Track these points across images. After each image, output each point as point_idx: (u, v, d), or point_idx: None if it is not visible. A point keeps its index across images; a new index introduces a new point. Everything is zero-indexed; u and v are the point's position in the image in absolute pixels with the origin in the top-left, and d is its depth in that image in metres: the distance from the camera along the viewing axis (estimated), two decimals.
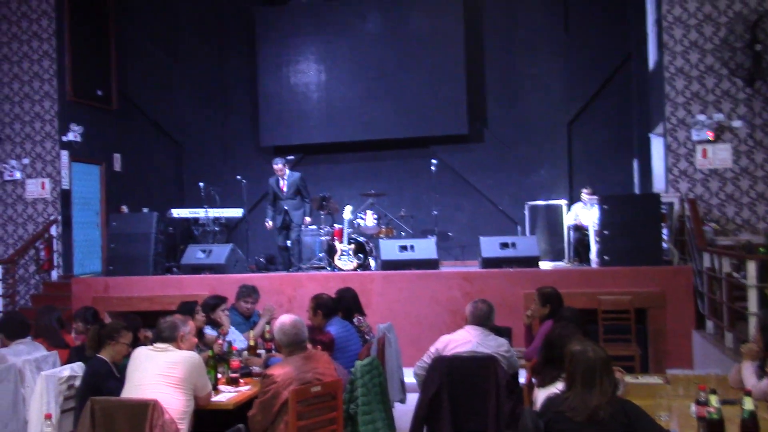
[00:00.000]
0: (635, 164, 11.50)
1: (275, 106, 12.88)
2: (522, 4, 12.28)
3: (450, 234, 11.93)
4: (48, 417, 3.92)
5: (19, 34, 11.42)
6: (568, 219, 10.32)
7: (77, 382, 4.51)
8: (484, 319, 4.91)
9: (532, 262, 8.51)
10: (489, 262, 8.54)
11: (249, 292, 6.48)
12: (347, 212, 9.41)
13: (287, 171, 9.67)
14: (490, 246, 8.69)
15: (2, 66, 11.46)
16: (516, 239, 8.93)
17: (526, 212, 11.08)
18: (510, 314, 7.32)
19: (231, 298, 6.47)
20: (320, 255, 10.10)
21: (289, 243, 9.53)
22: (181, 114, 13.66)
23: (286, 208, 9.45)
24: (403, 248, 8.79)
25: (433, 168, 10.70)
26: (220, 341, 5.25)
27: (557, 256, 10.46)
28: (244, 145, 13.43)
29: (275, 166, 9.49)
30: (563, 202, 10.92)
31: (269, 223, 9.45)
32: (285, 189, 9.53)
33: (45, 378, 4.35)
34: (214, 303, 5.89)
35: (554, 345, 3.71)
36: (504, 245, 8.67)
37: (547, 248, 10.55)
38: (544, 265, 9.21)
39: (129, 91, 12.99)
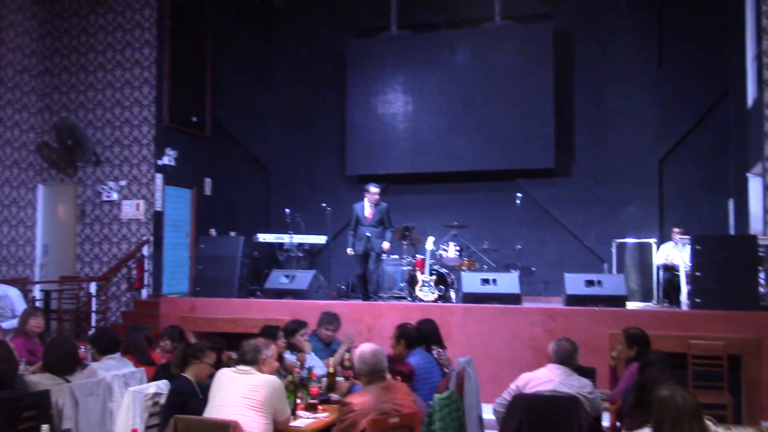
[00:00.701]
0: (731, 204, 11.10)
1: (362, 135, 12.89)
2: (614, 37, 12.08)
3: (533, 269, 11.67)
4: None
5: (123, 62, 11.77)
6: (658, 258, 10.01)
7: (162, 399, 4.58)
8: (567, 357, 4.76)
9: (618, 301, 8.19)
10: (573, 300, 8.28)
11: (330, 319, 6.50)
12: (429, 243, 9.34)
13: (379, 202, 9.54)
14: (575, 283, 8.45)
15: (106, 92, 11.85)
16: (602, 277, 8.63)
17: (614, 250, 10.82)
18: (594, 354, 7.10)
19: (311, 324, 6.49)
20: (401, 285, 10.05)
21: (368, 271, 9.42)
22: (270, 141, 13.79)
23: (368, 234, 9.28)
24: (485, 281, 8.61)
25: (518, 201, 10.52)
26: (297, 368, 5.27)
27: (645, 296, 10.18)
28: (330, 173, 13.46)
29: (372, 190, 9.30)
30: (653, 241, 10.62)
31: (351, 251, 9.32)
32: (371, 216, 9.37)
33: (132, 394, 4.42)
34: (294, 328, 5.94)
35: (646, 388, 3.57)
36: (590, 283, 8.39)
37: (634, 288, 10.31)
38: (632, 305, 8.91)
39: (222, 118, 13.23)
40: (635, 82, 11.87)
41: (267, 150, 13.80)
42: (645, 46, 11.87)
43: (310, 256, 12.31)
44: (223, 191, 13.08)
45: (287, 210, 11.39)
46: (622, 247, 10.72)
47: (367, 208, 9.35)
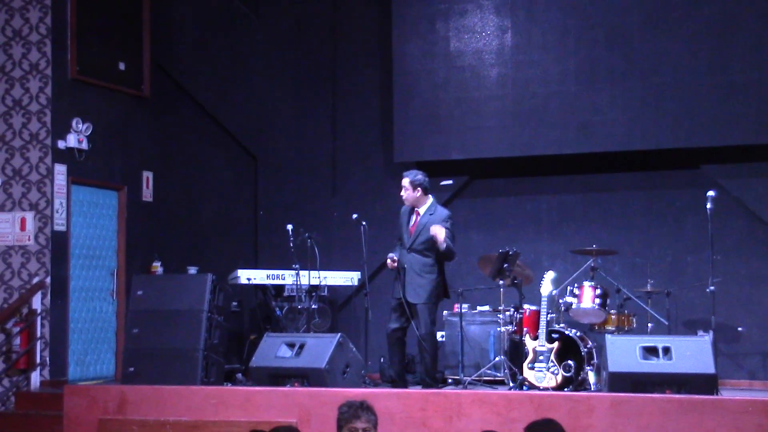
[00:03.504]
0: None
1: (420, 93, 12.47)
2: None
3: (740, 329, 11.22)
4: None
5: None
6: None
7: None
8: None
9: None
10: None
11: (356, 412, 5.86)
12: (547, 284, 9.41)
13: (431, 200, 9.52)
14: None
15: None
16: None
17: None
18: None
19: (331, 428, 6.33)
20: (496, 359, 10.13)
21: (420, 332, 9.36)
22: (258, 108, 13.63)
23: (405, 266, 9.30)
24: (650, 352, 8.25)
25: (708, 206, 9.79)
26: None
27: None
28: (364, 160, 13.28)
29: (408, 182, 9.43)
30: None
31: (392, 261, 9.40)
32: (414, 230, 9.41)
33: None
34: None
35: None
36: None
37: None
38: None
39: (172, 66, 13.02)
40: None
41: (252, 123, 13.62)
42: None
43: (332, 307, 11.95)
44: (175, 195, 12.87)
45: (289, 227, 10.98)
46: None
47: (413, 216, 9.57)
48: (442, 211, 9.55)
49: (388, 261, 9.50)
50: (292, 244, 10.99)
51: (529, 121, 12.08)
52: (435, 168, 11.70)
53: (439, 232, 9.19)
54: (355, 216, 10.25)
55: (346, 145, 13.40)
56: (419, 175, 9.49)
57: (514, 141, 12.10)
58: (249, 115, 13.71)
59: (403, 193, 9.50)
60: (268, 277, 11.60)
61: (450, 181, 12.15)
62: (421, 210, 9.44)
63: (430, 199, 9.48)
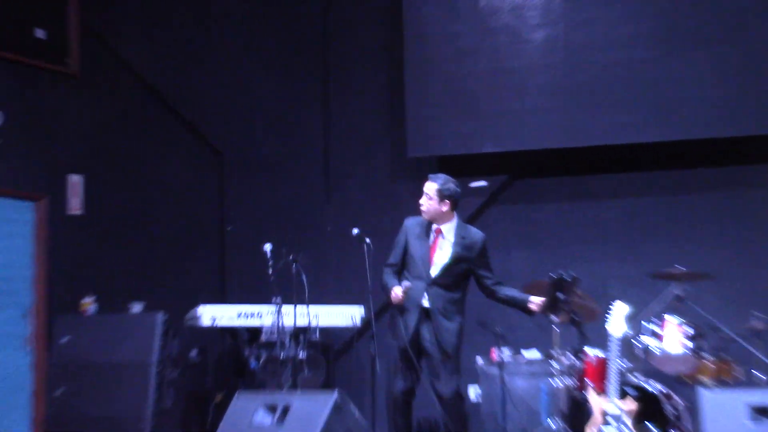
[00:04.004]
0: None
1: (442, 66, 11.82)
2: None
3: None
4: None
5: None
6: None
7: None
8: None
9: None
10: None
11: None
12: (617, 320, 8.61)
13: (455, 218, 8.77)
14: None
15: None
16: None
17: None
18: None
19: None
20: (551, 422, 9.39)
21: (437, 388, 8.78)
22: (224, 87, 12.95)
23: (426, 305, 8.54)
24: (763, 413, 8.05)
25: None
26: None
27: None
28: (367, 157, 12.65)
29: (431, 187, 8.71)
30: None
31: (399, 292, 8.57)
32: (436, 255, 8.68)
33: None
34: None
35: None
36: None
37: None
38: None
39: (111, 35, 12.22)
40: None
41: (219, 109, 12.90)
42: None
43: (326, 356, 11.41)
44: (114, 206, 11.99)
45: (268, 247, 9.91)
46: None
47: (432, 234, 8.89)
48: (477, 235, 8.73)
49: (397, 291, 8.52)
50: (271, 271, 9.84)
51: (586, 100, 11.35)
52: (462, 165, 11.28)
53: (539, 303, 8.74)
54: (356, 231, 9.14)
55: (342, 136, 12.73)
56: (451, 184, 8.55)
57: (568, 127, 11.36)
58: (214, 99, 12.86)
59: (423, 202, 8.55)
60: (239, 315, 10.80)
61: (483, 183, 11.56)
62: (446, 230, 8.57)
63: (455, 217, 8.70)
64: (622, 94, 11.25)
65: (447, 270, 8.64)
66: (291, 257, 9.87)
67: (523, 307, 8.78)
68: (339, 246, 11.45)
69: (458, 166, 10.72)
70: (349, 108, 12.74)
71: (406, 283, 8.61)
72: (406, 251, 8.80)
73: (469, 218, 10.69)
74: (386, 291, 8.71)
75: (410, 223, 8.80)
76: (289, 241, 10.32)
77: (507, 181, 11.72)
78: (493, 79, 11.53)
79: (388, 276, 8.81)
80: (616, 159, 11.63)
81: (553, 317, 8.95)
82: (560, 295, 8.78)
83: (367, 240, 9.06)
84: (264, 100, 12.91)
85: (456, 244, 8.62)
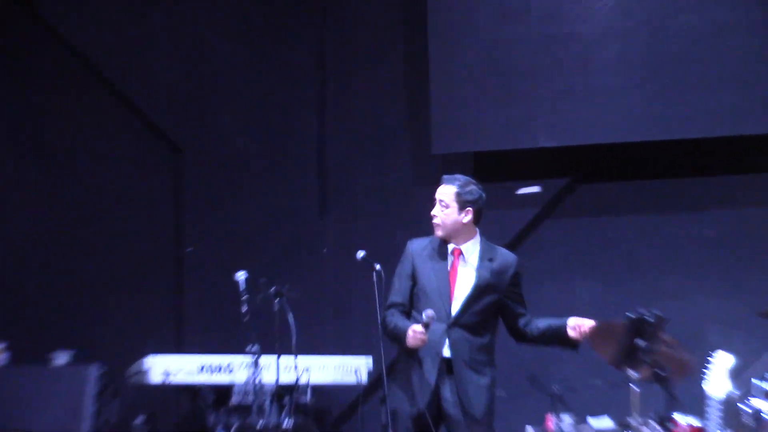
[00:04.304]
0: None
1: (478, 37, 11.13)
2: None
3: None
4: None
5: None
6: None
7: None
8: None
9: None
10: None
11: None
12: (719, 375, 7.44)
13: (478, 235, 7.65)
14: None
15: None
16: None
17: None
18: None
19: None
20: None
21: None
22: (193, 72, 12.30)
23: (447, 355, 7.38)
24: None
25: None
26: None
27: None
28: (376, 157, 11.97)
29: (442, 193, 7.59)
30: None
31: (419, 330, 7.16)
32: (457, 286, 7.49)
33: None
34: None
35: None
36: None
37: None
38: None
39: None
40: None
41: (179, 94, 12.18)
42: None
43: (320, 424, 10.53)
44: (32, 221, 11.56)
45: (242, 275, 9.18)
46: None
47: (450, 258, 7.70)
48: (509, 257, 7.55)
49: (416, 329, 7.12)
50: (246, 308, 9.00)
51: (670, 81, 10.40)
52: (505, 165, 10.57)
53: (586, 328, 7.33)
54: (361, 254, 7.54)
55: (342, 130, 11.88)
56: (473, 186, 7.32)
57: (650, 114, 10.42)
58: (172, 80, 12.00)
59: (437, 212, 7.35)
60: (201, 369, 9.81)
61: (536, 189, 10.70)
62: (466, 250, 7.37)
63: (477, 234, 7.47)
64: (717, 73, 10.26)
65: (472, 304, 7.40)
66: (273, 290, 8.91)
67: (562, 337, 7.30)
68: (338, 274, 10.80)
69: (499, 167, 10.36)
70: (352, 96, 11.90)
71: (429, 313, 7.14)
72: (414, 284, 7.53)
73: (516, 237, 9.88)
74: (397, 336, 7.33)
75: (416, 247, 7.59)
76: (271, 269, 9.96)
77: (568, 186, 10.95)
78: (549, 50, 10.63)
79: (395, 316, 7.46)
80: (719, 156, 10.74)
81: (631, 372, 7.36)
82: (640, 342, 7.16)
83: (377, 266, 7.43)
84: (241, 87, 12.06)
85: (481, 268, 7.40)
